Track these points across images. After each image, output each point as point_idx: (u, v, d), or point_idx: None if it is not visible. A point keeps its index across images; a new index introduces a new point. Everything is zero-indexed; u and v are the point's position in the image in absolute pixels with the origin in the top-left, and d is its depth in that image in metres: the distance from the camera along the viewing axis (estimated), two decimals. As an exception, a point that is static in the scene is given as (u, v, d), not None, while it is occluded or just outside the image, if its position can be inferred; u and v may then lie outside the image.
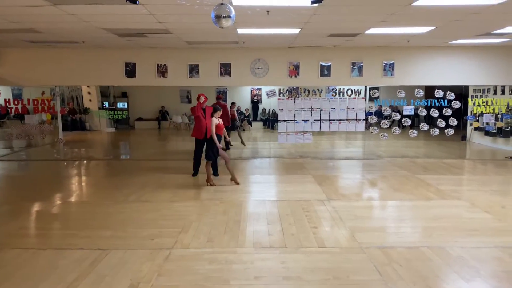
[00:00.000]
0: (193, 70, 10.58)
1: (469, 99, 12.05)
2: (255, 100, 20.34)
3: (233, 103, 13.64)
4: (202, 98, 8.45)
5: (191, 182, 8.17)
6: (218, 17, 5.04)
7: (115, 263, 4.29)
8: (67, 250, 4.62)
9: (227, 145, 12.49)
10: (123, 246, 4.75)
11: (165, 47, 10.38)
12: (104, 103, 19.12)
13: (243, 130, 17.74)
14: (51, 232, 5.43)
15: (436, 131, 10.62)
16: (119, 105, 18.31)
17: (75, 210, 6.51)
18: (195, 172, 8.70)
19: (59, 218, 6.04)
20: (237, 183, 7.79)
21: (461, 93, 11.80)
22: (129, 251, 4.60)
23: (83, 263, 4.27)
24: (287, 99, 10.98)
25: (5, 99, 11.27)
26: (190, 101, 19.19)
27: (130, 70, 10.55)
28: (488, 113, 11.12)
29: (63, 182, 8.68)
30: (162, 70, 10.56)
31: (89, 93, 18.27)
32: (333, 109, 10.50)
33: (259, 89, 19.60)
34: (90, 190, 7.95)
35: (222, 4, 5.06)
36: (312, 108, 10.50)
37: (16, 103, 10.84)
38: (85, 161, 11.31)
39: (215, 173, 8.65)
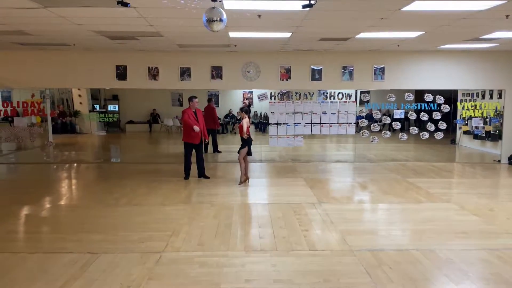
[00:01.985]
0: (185, 73, 10.56)
1: (458, 103, 12.21)
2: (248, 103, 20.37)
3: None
4: (196, 100, 8.53)
5: (182, 186, 8.15)
6: (209, 21, 5.05)
7: (105, 267, 4.26)
8: (57, 254, 4.58)
9: (215, 149, 12.45)
10: (114, 250, 4.73)
11: (157, 50, 10.35)
12: (95, 105, 19.02)
13: (235, 133, 17.74)
14: (40, 236, 5.38)
15: (426, 135, 10.74)
16: (110, 107, 18.17)
17: (65, 213, 6.45)
18: (187, 176, 8.68)
19: (48, 222, 5.99)
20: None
21: (451, 97, 11.94)
22: (120, 254, 4.58)
23: (73, 267, 4.24)
24: (278, 102, 11.01)
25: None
26: (181, 104, 19.16)
27: (121, 73, 10.50)
28: (477, 117, 11.27)
29: (53, 185, 8.60)
30: (153, 73, 10.53)
31: (79, 95, 18.17)
32: (324, 112, 10.55)
33: (251, 93, 19.62)
34: (80, 194, 7.88)
35: (213, 7, 5.07)
36: (303, 112, 10.54)
37: (5, 105, 10.72)
38: (75, 164, 11.21)
39: (204, 175, 8.67)
